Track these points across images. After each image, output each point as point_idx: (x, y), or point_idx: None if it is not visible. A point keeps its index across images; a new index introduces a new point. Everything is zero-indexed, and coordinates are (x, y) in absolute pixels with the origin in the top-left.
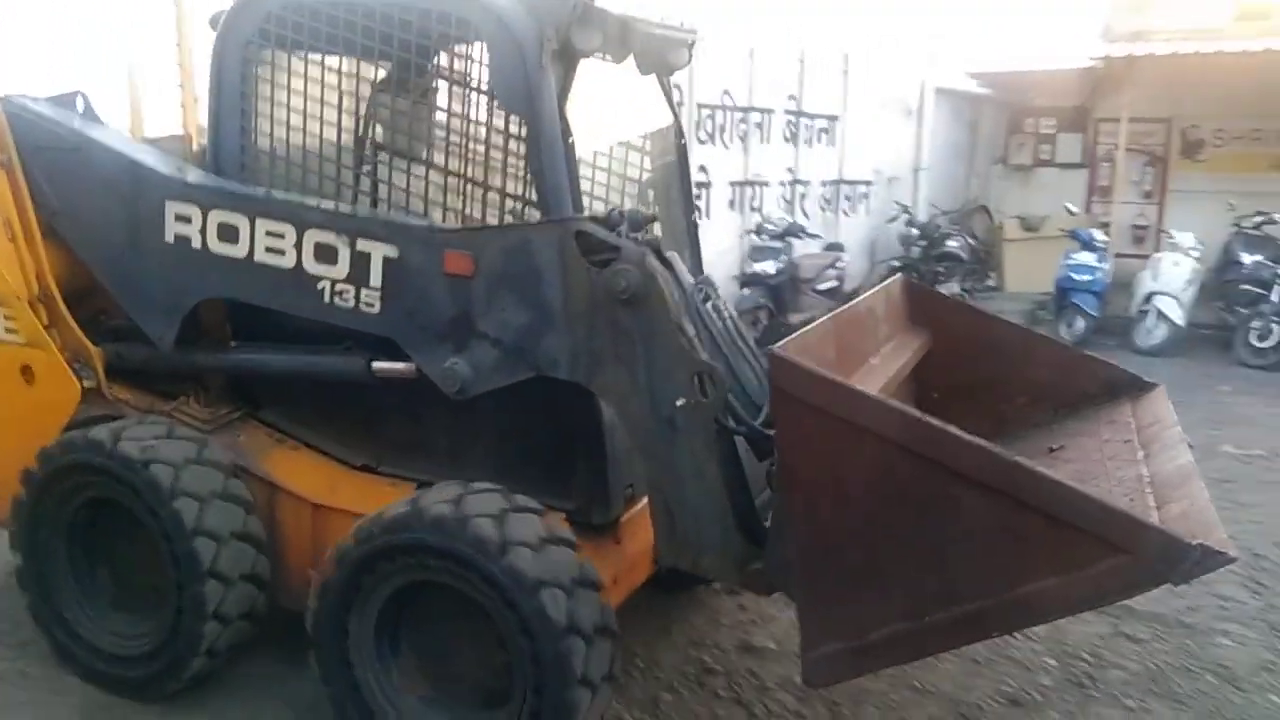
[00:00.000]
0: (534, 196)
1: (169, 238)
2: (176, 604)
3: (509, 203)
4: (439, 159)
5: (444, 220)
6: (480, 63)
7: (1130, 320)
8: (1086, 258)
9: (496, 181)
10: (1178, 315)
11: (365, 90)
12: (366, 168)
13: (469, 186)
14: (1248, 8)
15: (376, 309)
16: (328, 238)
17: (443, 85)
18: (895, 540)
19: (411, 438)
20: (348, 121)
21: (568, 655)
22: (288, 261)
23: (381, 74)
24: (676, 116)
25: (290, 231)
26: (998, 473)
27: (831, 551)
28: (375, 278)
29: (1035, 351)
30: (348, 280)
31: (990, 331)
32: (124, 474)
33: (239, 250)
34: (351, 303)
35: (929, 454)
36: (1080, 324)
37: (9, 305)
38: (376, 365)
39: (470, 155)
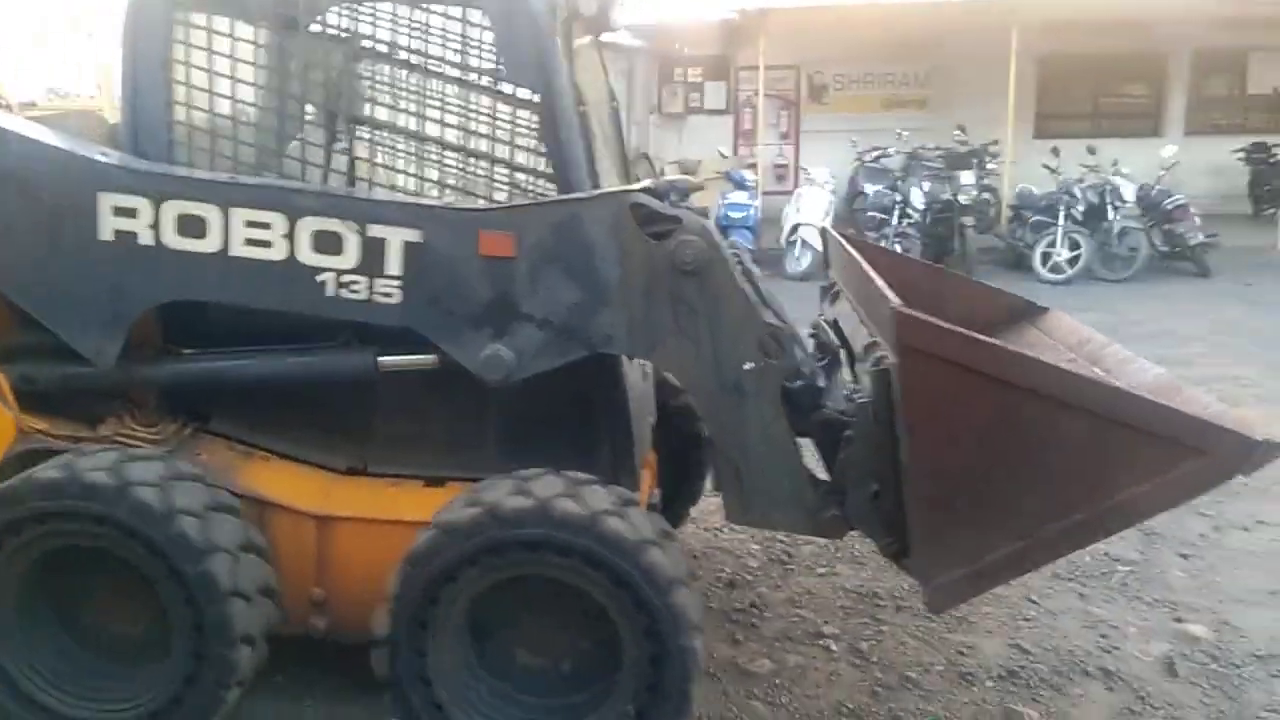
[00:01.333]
0: (544, 169)
1: (105, 235)
2: (194, 635)
3: (519, 176)
4: (432, 132)
5: (439, 198)
6: (480, 29)
7: (780, 251)
8: (740, 196)
9: (502, 155)
10: (819, 243)
11: (329, 58)
12: (340, 144)
13: (469, 161)
14: None
15: (396, 299)
16: (329, 224)
17: (431, 53)
18: (1009, 471)
19: (407, 432)
20: (309, 92)
21: None
22: (276, 253)
23: (350, 39)
24: (609, 79)
25: (279, 220)
26: (1099, 397)
27: (951, 491)
28: (394, 265)
29: (944, 287)
30: (358, 270)
31: (906, 272)
32: (133, 521)
33: (207, 245)
34: (363, 294)
35: (1041, 389)
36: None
37: None
38: (385, 360)
39: (471, 128)
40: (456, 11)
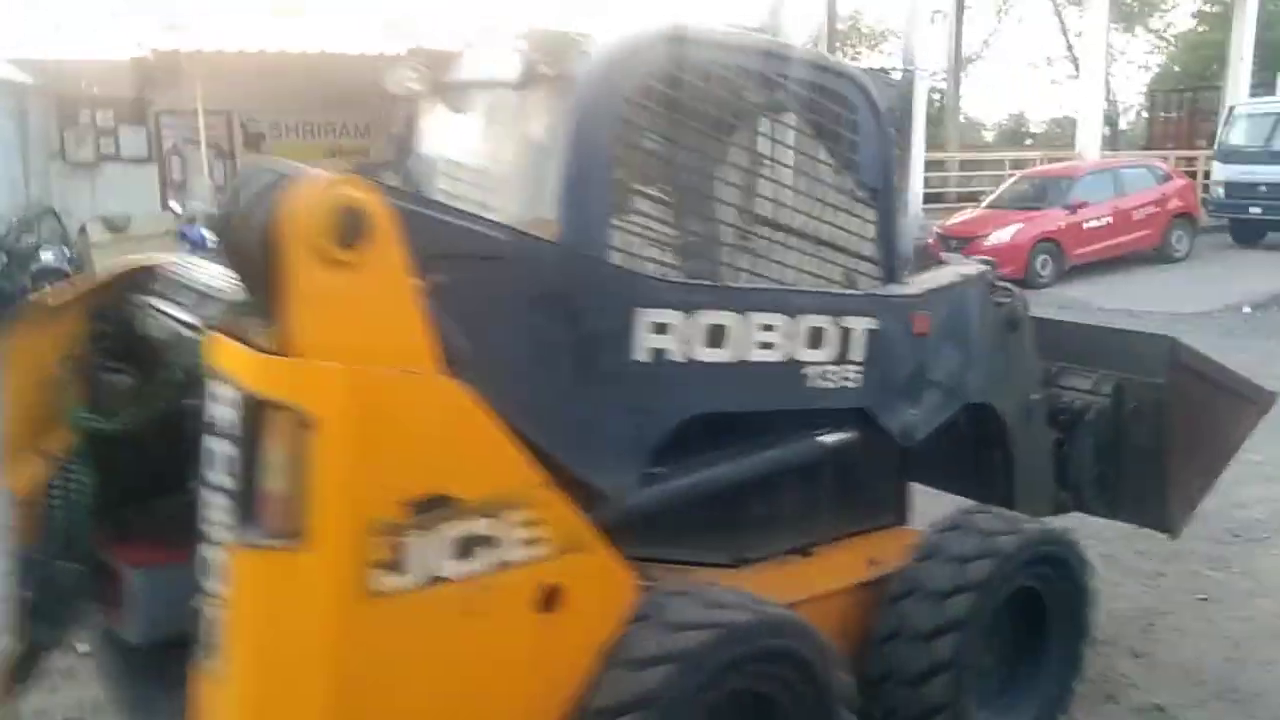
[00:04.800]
0: (872, 255)
1: (640, 355)
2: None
3: (854, 262)
4: (802, 226)
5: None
6: (845, 135)
7: None
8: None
9: (850, 245)
10: None
11: (737, 157)
12: (749, 242)
13: (827, 251)
14: (280, 4)
15: (855, 383)
16: (819, 321)
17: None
18: (1205, 440)
19: (771, 514)
20: (725, 194)
21: None
22: (778, 355)
23: (751, 140)
24: None
25: (782, 321)
26: (1242, 385)
27: (1189, 461)
28: (858, 352)
29: None
30: (834, 360)
31: None
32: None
33: (727, 354)
34: (835, 382)
35: (1221, 384)
36: None
37: (529, 502)
38: (826, 440)
39: (831, 222)
40: (839, 117)
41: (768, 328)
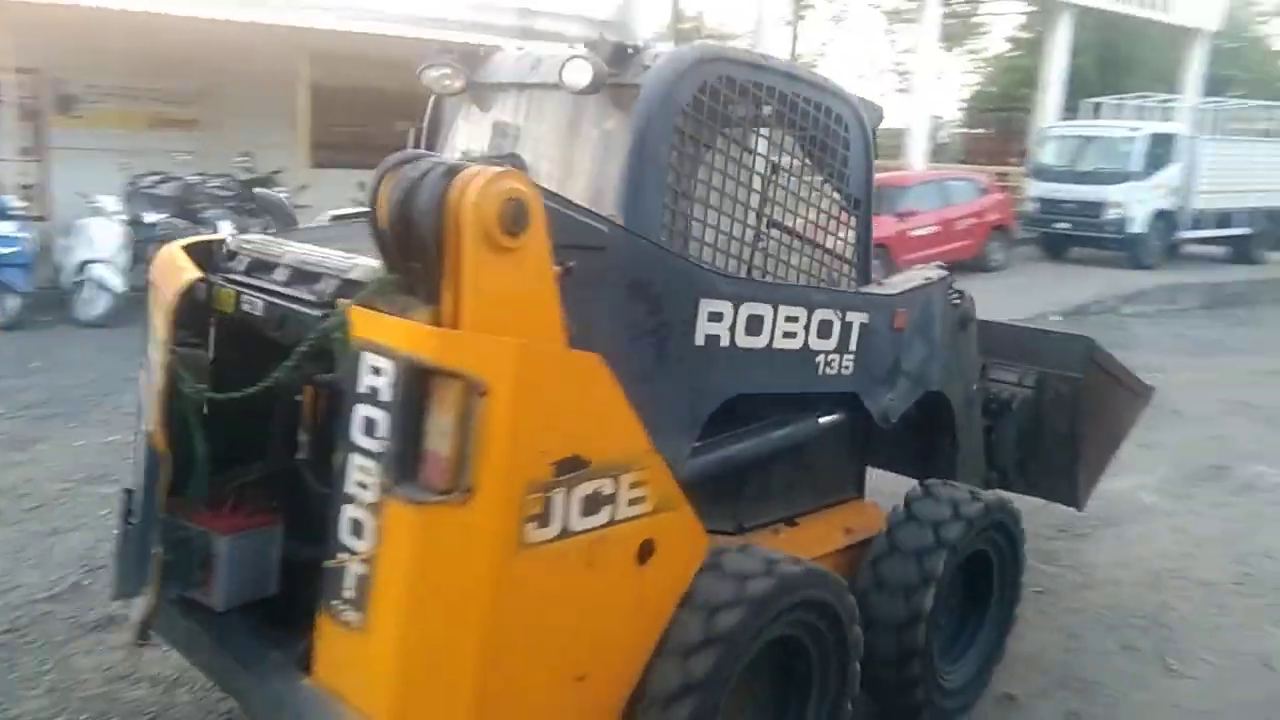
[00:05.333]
0: (850, 257)
1: (699, 340)
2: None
3: (838, 265)
4: (802, 230)
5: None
6: (839, 150)
7: (64, 292)
8: (6, 228)
9: (836, 249)
10: (117, 282)
11: (758, 165)
12: (762, 243)
13: (818, 254)
14: None
15: (850, 370)
16: (828, 314)
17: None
18: (1107, 431)
19: (766, 486)
20: (748, 198)
21: None
22: (796, 343)
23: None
24: None
25: (802, 314)
26: (1135, 380)
27: (1097, 445)
28: (853, 343)
29: None
30: (836, 350)
31: None
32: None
33: (760, 340)
34: (836, 369)
35: (1126, 384)
36: (12, 302)
37: (639, 465)
38: (824, 420)
39: (823, 227)
40: (835, 134)
41: (791, 319)
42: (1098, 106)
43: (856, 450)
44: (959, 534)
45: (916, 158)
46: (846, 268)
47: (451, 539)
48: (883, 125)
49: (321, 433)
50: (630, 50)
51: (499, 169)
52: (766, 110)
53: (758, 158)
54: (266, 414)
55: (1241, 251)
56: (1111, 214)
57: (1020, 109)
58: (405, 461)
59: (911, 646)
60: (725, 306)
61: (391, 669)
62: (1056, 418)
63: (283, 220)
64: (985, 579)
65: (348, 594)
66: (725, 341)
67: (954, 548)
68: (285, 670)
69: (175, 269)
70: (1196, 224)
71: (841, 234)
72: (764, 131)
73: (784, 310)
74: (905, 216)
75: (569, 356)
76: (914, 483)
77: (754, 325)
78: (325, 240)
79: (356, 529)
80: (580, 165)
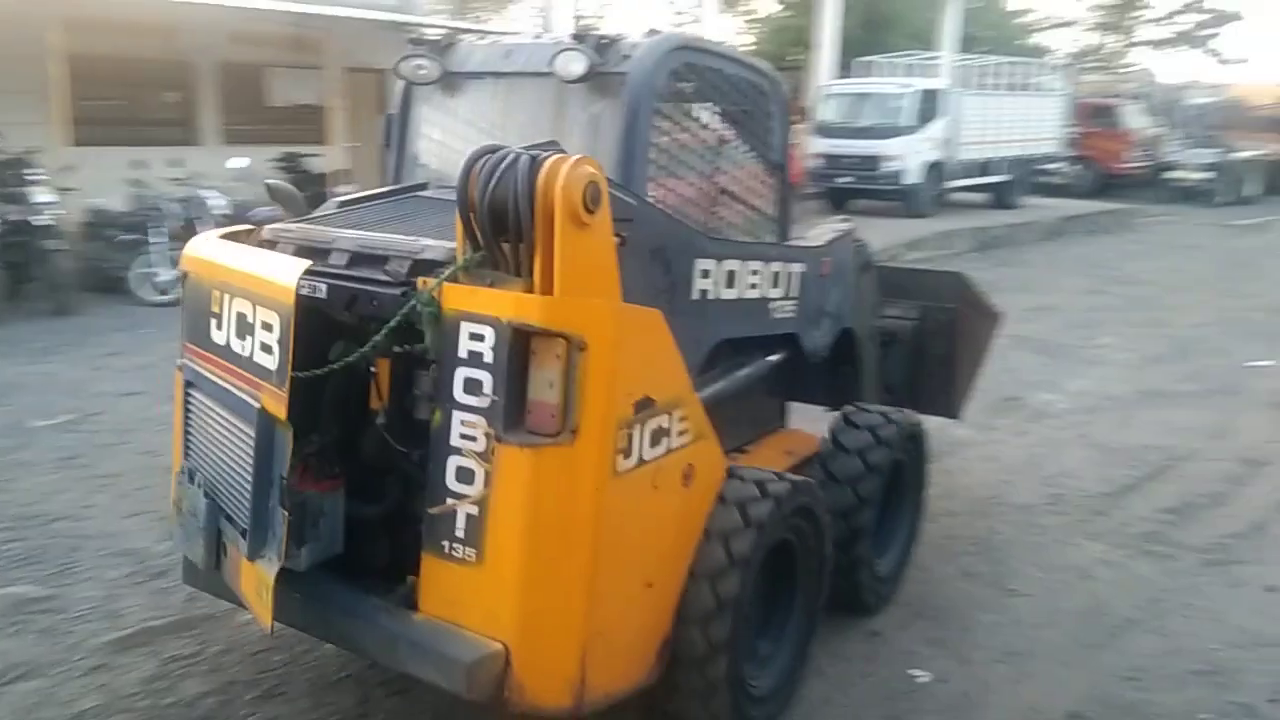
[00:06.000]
0: (772, 214)
1: (695, 294)
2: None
3: (766, 223)
4: (742, 194)
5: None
6: (766, 121)
7: None
8: None
9: (764, 208)
10: None
11: (713, 140)
12: (715, 207)
13: (755, 213)
14: None
15: (793, 313)
16: (779, 267)
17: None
18: (974, 352)
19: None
20: (703, 166)
21: None
22: (758, 293)
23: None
24: None
25: (762, 267)
26: (991, 305)
27: (969, 365)
28: (795, 290)
29: None
30: (784, 297)
31: None
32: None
33: (734, 292)
34: (785, 314)
35: (988, 313)
36: None
37: (685, 402)
38: (771, 359)
39: (753, 189)
40: (762, 107)
41: (754, 272)
42: (870, 65)
43: (781, 386)
44: (891, 434)
45: None
46: (773, 225)
47: (561, 474)
48: None
49: (398, 399)
50: (608, 41)
51: (577, 156)
52: (720, 90)
53: (711, 131)
54: (326, 387)
55: (1000, 198)
56: (889, 167)
57: (794, 68)
58: (513, 412)
59: (858, 528)
60: (711, 264)
61: (514, 592)
62: (936, 343)
63: (296, 210)
64: (901, 481)
65: (459, 534)
66: (712, 294)
67: (890, 445)
68: (392, 611)
69: (264, 266)
70: (962, 174)
71: (769, 195)
72: (715, 108)
73: (749, 265)
74: None
75: (642, 313)
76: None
77: (730, 279)
78: (361, 224)
79: (464, 476)
80: (569, 146)
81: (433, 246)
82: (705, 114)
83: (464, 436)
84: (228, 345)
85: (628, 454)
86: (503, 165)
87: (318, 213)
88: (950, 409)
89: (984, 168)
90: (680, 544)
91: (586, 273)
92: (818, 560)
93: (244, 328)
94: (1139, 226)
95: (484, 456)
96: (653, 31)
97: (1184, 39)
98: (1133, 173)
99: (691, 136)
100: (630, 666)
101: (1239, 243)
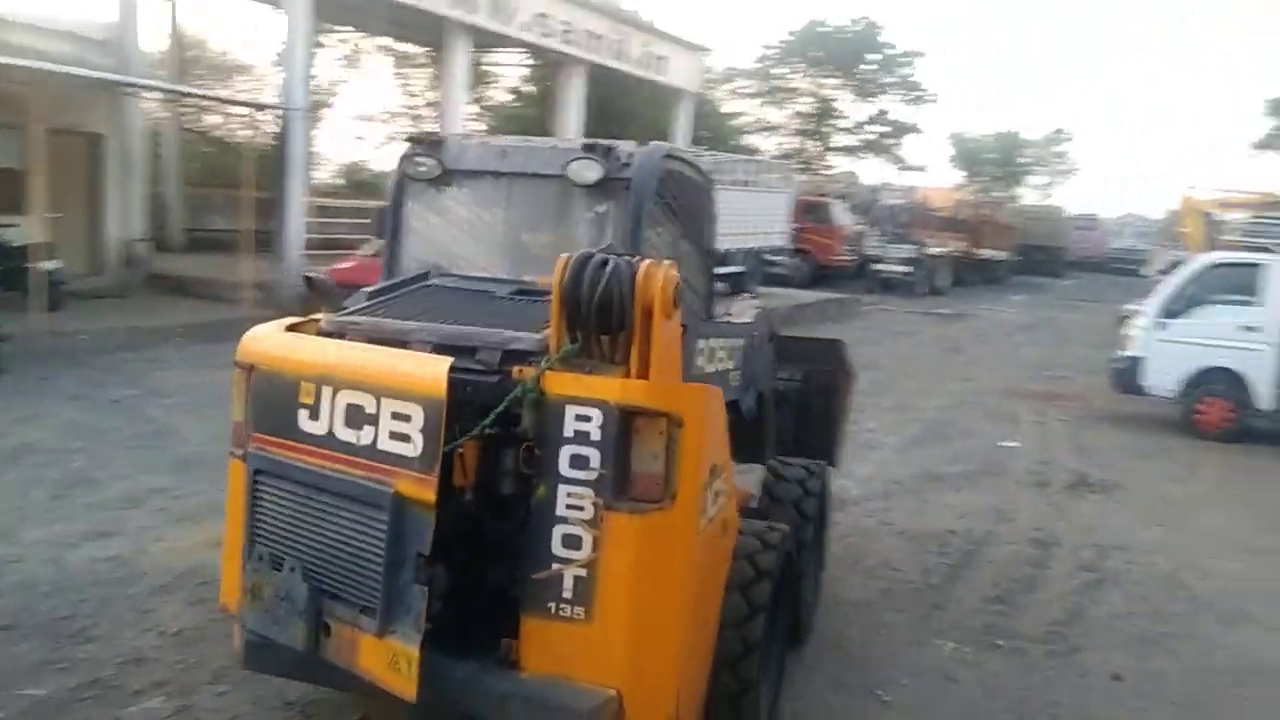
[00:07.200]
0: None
1: (695, 370)
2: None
3: (700, 303)
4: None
5: None
6: (707, 216)
7: None
8: None
9: (699, 289)
10: None
11: (677, 233)
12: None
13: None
14: None
15: (739, 382)
16: (733, 342)
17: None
18: (844, 406)
19: None
20: (673, 256)
21: None
22: (725, 365)
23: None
24: None
25: (726, 344)
26: (853, 370)
27: (838, 422)
28: (740, 361)
29: None
30: (735, 367)
31: None
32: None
33: (713, 366)
34: (735, 382)
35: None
36: None
37: (727, 467)
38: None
39: (698, 275)
40: (703, 203)
41: (724, 349)
42: None
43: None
44: (816, 485)
45: None
46: (704, 305)
47: (663, 536)
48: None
49: (487, 477)
50: (607, 149)
51: (660, 260)
52: (683, 189)
53: (675, 226)
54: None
55: (736, 286)
56: None
57: None
58: (620, 483)
59: (803, 541)
60: (704, 343)
61: (625, 643)
62: (818, 400)
63: (332, 302)
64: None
65: (566, 595)
66: (705, 370)
67: (815, 494)
68: (495, 671)
69: (395, 361)
70: None
71: (703, 279)
72: (679, 205)
73: (721, 342)
74: None
75: (714, 392)
76: None
77: (711, 355)
78: (413, 315)
79: (571, 542)
80: (574, 239)
81: (520, 338)
82: (669, 211)
83: (570, 506)
84: (330, 434)
85: (704, 514)
86: (606, 271)
87: (353, 304)
88: (832, 456)
89: (723, 259)
90: (719, 585)
91: (669, 359)
92: (796, 591)
93: (360, 418)
94: (860, 314)
95: (591, 524)
96: (641, 143)
97: (871, 147)
98: (843, 265)
99: (667, 231)
100: (696, 697)
101: (946, 330)
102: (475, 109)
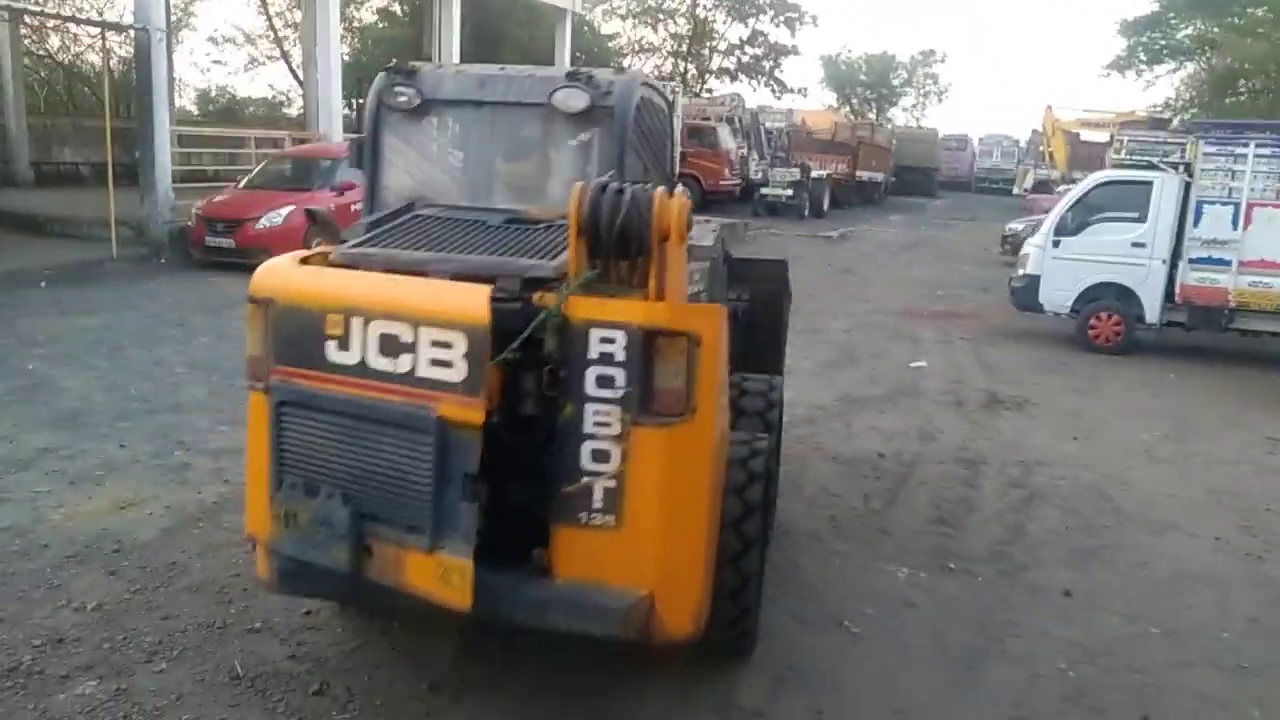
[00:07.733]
0: None
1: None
2: None
3: None
4: None
5: None
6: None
7: None
8: None
9: None
10: None
11: (648, 158)
12: None
13: None
14: None
15: (705, 300)
16: (702, 265)
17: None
18: (785, 321)
19: None
20: (644, 179)
21: None
22: (695, 288)
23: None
24: None
25: (698, 265)
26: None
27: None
28: (705, 282)
29: None
30: (705, 288)
31: None
32: None
33: (692, 289)
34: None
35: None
36: None
37: (727, 379)
38: None
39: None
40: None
41: (696, 270)
42: None
43: None
44: (776, 396)
45: (333, 129)
46: None
47: (686, 446)
48: (276, 96)
49: (510, 399)
50: (588, 76)
51: (677, 189)
52: (653, 113)
53: (646, 150)
54: None
55: None
56: None
57: None
58: (645, 400)
59: (772, 447)
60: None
61: (655, 547)
62: (764, 317)
63: (332, 235)
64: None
65: (597, 505)
66: (688, 292)
67: (776, 404)
68: (530, 580)
69: (431, 291)
70: None
71: None
72: (649, 130)
73: (695, 265)
74: (343, 190)
75: (723, 311)
76: None
77: (690, 278)
78: (420, 245)
79: (600, 457)
80: (559, 167)
81: (538, 265)
82: (643, 136)
83: (598, 424)
84: (363, 364)
85: (719, 423)
86: (624, 200)
87: (355, 235)
88: (778, 368)
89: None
90: (721, 489)
91: (682, 281)
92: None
93: (395, 347)
94: (749, 239)
95: (619, 439)
96: (619, 70)
97: (749, 69)
98: (730, 190)
99: (641, 157)
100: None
101: (834, 252)
102: (340, 30)
